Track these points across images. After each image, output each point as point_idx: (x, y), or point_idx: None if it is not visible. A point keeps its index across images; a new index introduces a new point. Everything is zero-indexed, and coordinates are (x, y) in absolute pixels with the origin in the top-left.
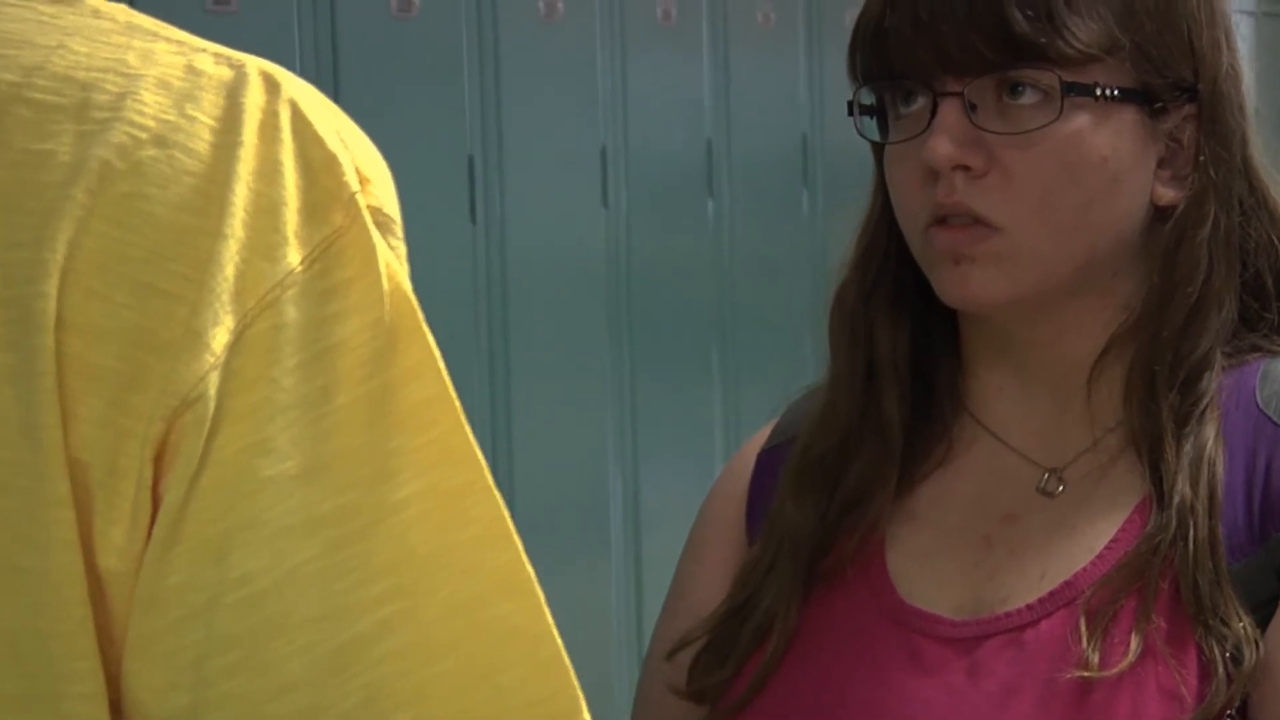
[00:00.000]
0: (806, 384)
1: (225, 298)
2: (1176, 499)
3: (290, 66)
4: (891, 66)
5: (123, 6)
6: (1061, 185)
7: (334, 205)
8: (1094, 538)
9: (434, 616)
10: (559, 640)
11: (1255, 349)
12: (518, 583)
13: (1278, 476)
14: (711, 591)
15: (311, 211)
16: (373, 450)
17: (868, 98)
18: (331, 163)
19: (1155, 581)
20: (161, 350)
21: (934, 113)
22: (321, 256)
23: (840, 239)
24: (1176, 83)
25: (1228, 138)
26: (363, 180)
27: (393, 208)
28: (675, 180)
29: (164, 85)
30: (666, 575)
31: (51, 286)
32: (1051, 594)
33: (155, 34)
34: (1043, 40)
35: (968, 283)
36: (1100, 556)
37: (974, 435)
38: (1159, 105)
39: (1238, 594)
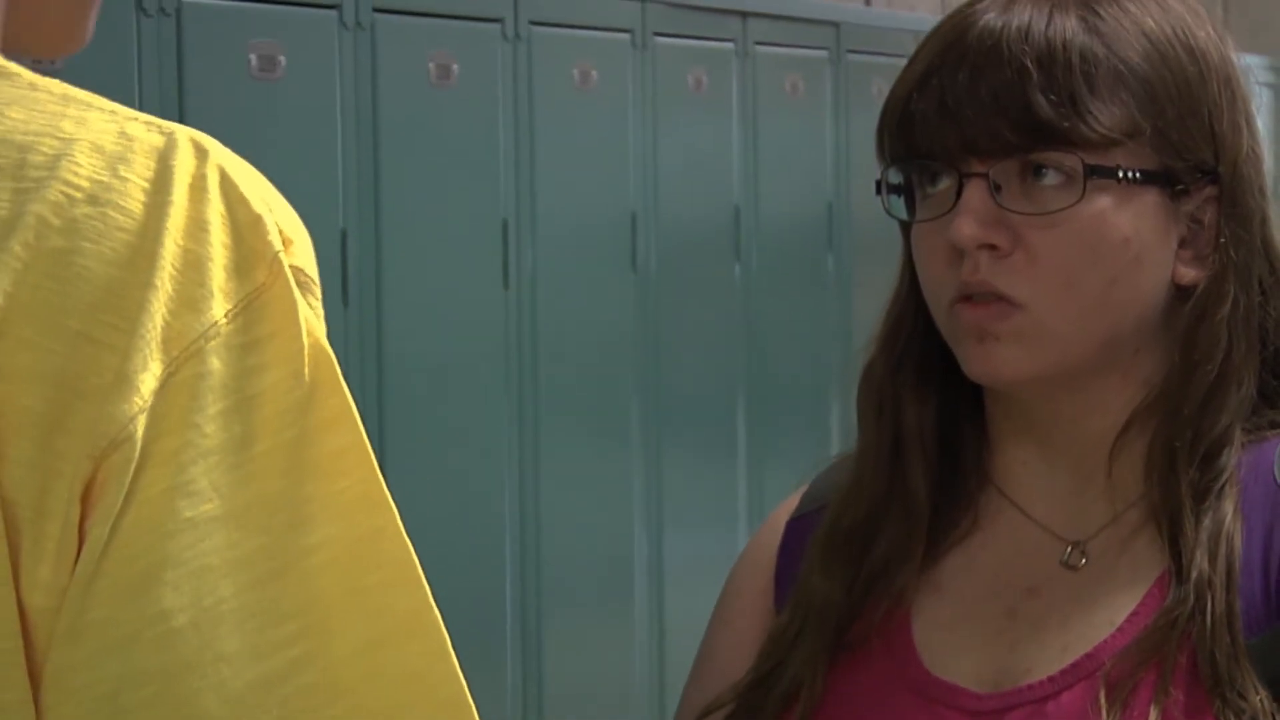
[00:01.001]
0: (832, 450)
1: (154, 345)
2: (1195, 574)
3: (332, 133)
4: (918, 148)
5: (57, 81)
6: (1084, 265)
7: (258, 263)
8: (1114, 611)
9: (341, 657)
10: (463, 681)
11: (1275, 425)
12: (423, 625)
13: None
14: (739, 658)
15: (236, 268)
16: (289, 496)
17: (895, 177)
18: (257, 223)
19: (1174, 655)
20: (90, 394)
21: (959, 193)
22: (245, 311)
23: (864, 305)
24: (1198, 165)
25: (1248, 219)
26: (286, 241)
27: (313, 269)
28: (703, 246)
29: (98, 149)
30: (689, 640)
31: None
32: (1073, 666)
33: (89, 104)
34: (1066, 125)
35: (992, 359)
36: (1120, 630)
37: (999, 508)
38: (1180, 187)
39: (1255, 668)
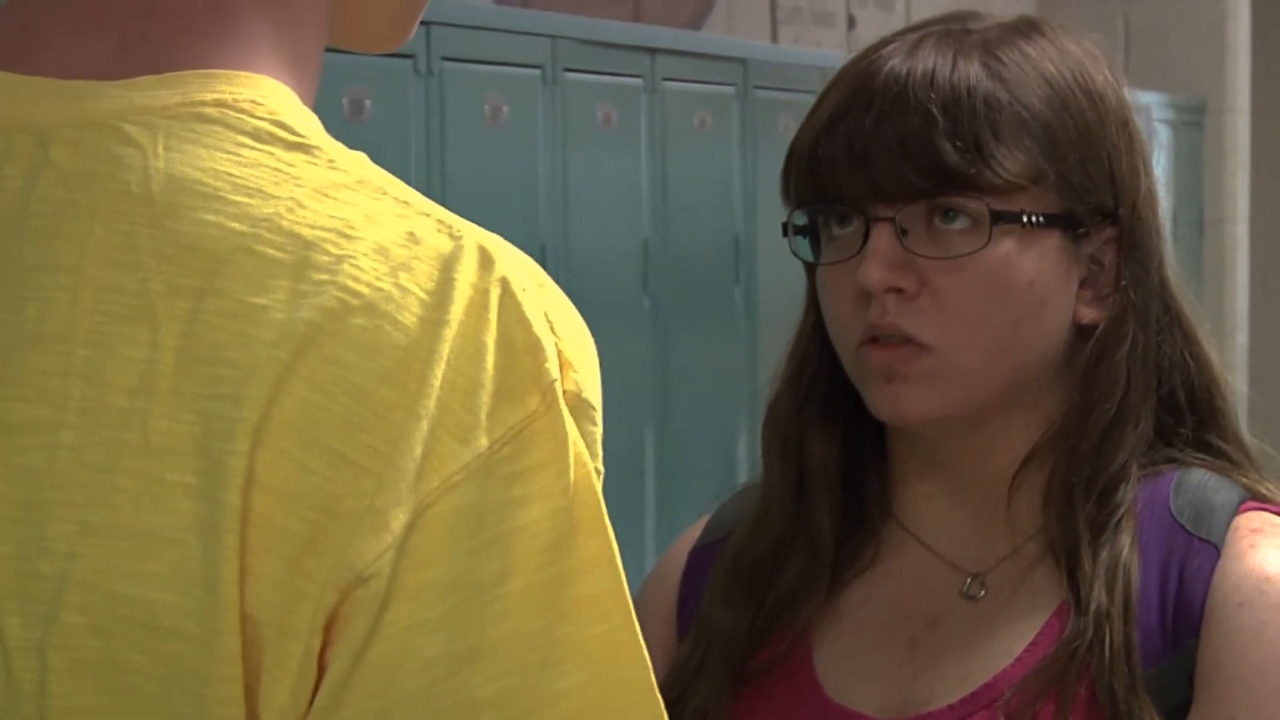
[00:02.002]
0: (738, 480)
1: (410, 478)
2: (1093, 606)
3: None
4: (825, 192)
5: (360, 157)
6: (990, 307)
7: (531, 389)
8: (1013, 641)
9: None
10: None
11: (1170, 461)
12: None
13: (1190, 584)
14: None
15: (507, 394)
16: (540, 637)
17: (801, 219)
18: (535, 347)
19: (1072, 686)
20: (343, 518)
21: (866, 236)
22: (512, 440)
23: (770, 337)
24: (1098, 208)
25: (1146, 259)
26: (564, 364)
27: (593, 392)
28: (612, 278)
29: (382, 252)
30: None
31: (245, 444)
32: (973, 695)
33: (383, 191)
34: (972, 171)
35: (900, 400)
36: (1019, 660)
37: (901, 541)
38: (1082, 230)
39: (1152, 699)
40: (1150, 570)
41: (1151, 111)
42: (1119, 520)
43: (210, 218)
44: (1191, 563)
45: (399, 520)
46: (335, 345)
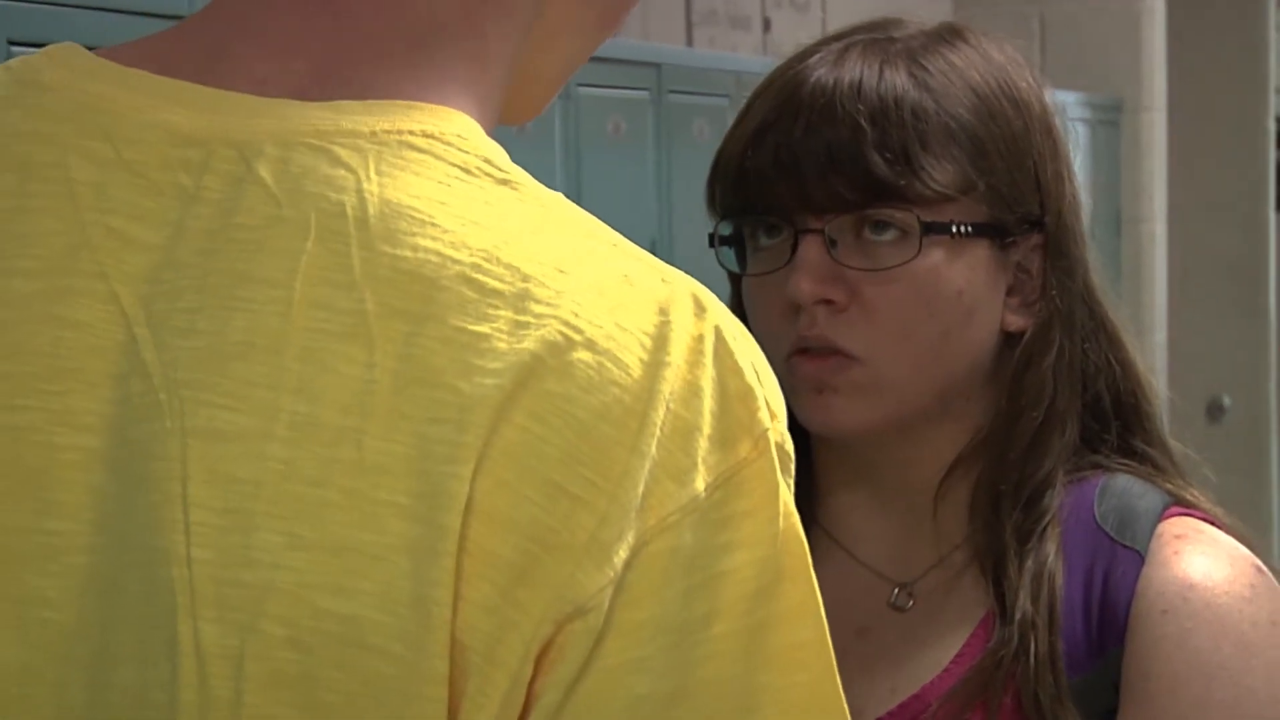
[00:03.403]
0: None
1: (632, 514)
2: (1018, 615)
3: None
4: (753, 202)
5: (560, 197)
6: (920, 318)
7: (744, 436)
8: (941, 652)
9: None
10: None
11: (1096, 466)
12: None
13: (1114, 591)
14: None
15: (721, 440)
16: (742, 683)
17: (728, 230)
18: (748, 394)
19: (999, 695)
20: (560, 551)
21: (795, 248)
22: (724, 485)
23: None
24: (1025, 216)
25: (1071, 266)
26: (772, 415)
27: (790, 446)
28: None
29: (601, 291)
30: None
31: (467, 470)
32: (901, 707)
33: (592, 234)
34: (902, 183)
35: (830, 410)
36: (947, 670)
37: (827, 550)
38: (1009, 239)
39: (1078, 707)
40: (1075, 578)
41: (1068, 110)
42: (1044, 528)
43: (427, 244)
44: (1116, 570)
45: (620, 556)
46: (557, 379)
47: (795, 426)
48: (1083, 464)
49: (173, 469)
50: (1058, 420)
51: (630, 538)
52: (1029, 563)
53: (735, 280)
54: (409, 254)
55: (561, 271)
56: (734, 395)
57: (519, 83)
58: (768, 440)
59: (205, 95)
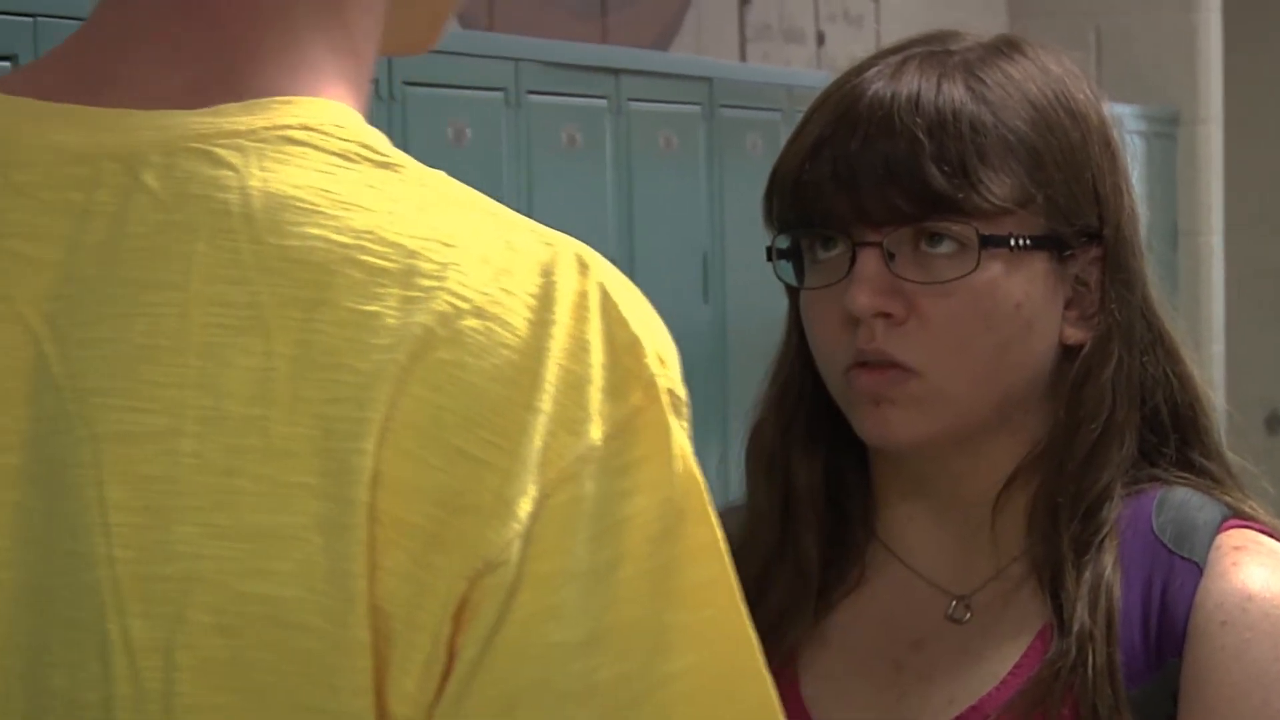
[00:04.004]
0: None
1: (532, 468)
2: (1076, 627)
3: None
4: (811, 216)
5: (442, 175)
6: (977, 331)
7: (634, 385)
8: (998, 663)
9: None
10: None
11: (1154, 479)
12: None
13: (1172, 603)
14: None
15: (613, 390)
16: (652, 623)
17: (785, 243)
18: (634, 344)
19: (1056, 707)
20: (468, 512)
21: (853, 261)
22: (620, 434)
23: (739, 355)
24: (1083, 229)
25: (1130, 278)
26: (661, 362)
27: (683, 391)
28: None
29: (485, 259)
30: None
31: (370, 444)
32: (959, 718)
33: (472, 205)
34: (960, 195)
35: (887, 423)
36: (1004, 682)
37: (885, 562)
38: (1068, 251)
39: (1136, 719)
40: (1133, 589)
41: (1124, 123)
42: (1102, 539)
43: (313, 231)
44: (1174, 582)
45: (524, 509)
46: (449, 348)
47: (856, 439)
48: (1141, 477)
49: (88, 475)
50: (1116, 433)
51: (533, 491)
52: (1086, 574)
53: (793, 294)
54: (296, 243)
55: (446, 245)
56: (622, 347)
57: (396, 30)
58: (657, 387)
59: (90, 114)
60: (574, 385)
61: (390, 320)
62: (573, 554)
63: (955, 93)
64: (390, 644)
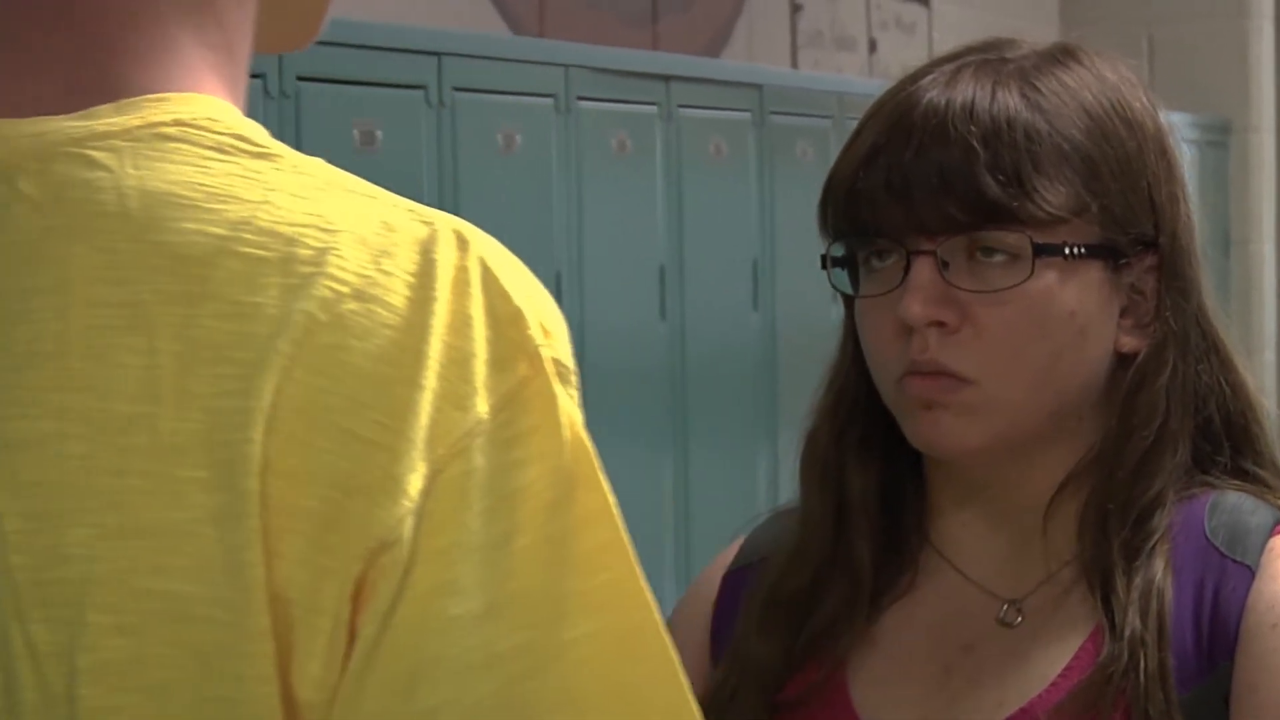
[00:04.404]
0: (759, 499)
1: (420, 445)
2: (1128, 631)
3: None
4: (865, 224)
5: (320, 162)
6: (1031, 340)
7: (519, 357)
8: (1048, 666)
9: None
10: None
11: (1205, 485)
12: (684, 719)
13: (1224, 606)
14: None
15: (498, 363)
16: (549, 591)
17: (839, 251)
18: (518, 316)
19: (1108, 711)
20: (360, 493)
21: (907, 270)
22: (507, 406)
23: (787, 359)
24: (1139, 237)
25: (1186, 287)
26: (545, 333)
27: (570, 359)
28: (629, 305)
29: (362, 241)
30: None
31: (258, 433)
32: None
33: (351, 189)
34: (1015, 205)
35: (940, 430)
36: (1054, 685)
37: (937, 567)
38: (1123, 260)
39: None
40: (1184, 593)
41: (1176, 131)
42: (1153, 545)
43: (191, 226)
44: (1226, 585)
45: (415, 486)
46: (331, 332)
47: (910, 447)
48: (1193, 483)
49: None
50: (1169, 441)
51: (423, 468)
52: (1137, 579)
53: (848, 302)
54: (174, 239)
55: (323, 230)
56: (505, 319)
57: (273, 24)
58: (541, 356)
59: None
60: (458, 360)
61: (271, 309)
62: (467, 528)
63: (1010, 101)
64: (292, 629)
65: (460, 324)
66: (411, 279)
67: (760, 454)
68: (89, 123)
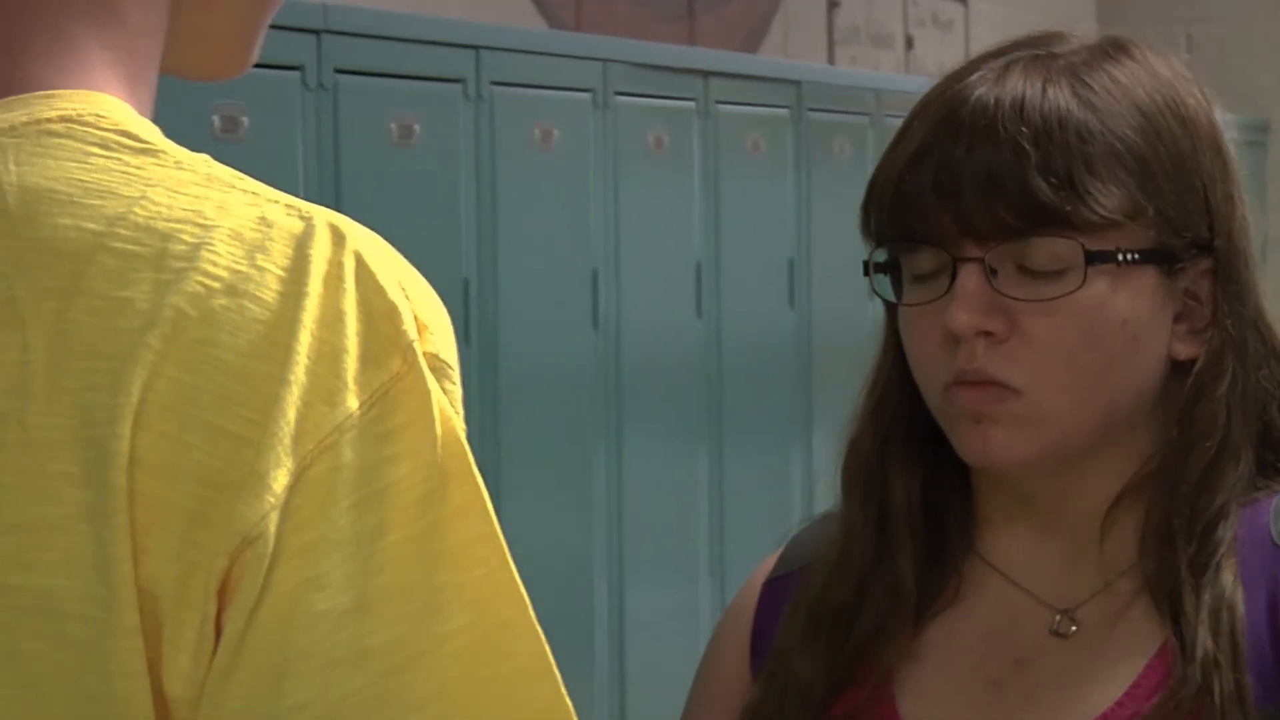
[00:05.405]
0: (795, 495)
1: (287, 441)
2: (1200, 653)
3: (294, 192)
4: (911, 229)
5: (204, 158)
6: (1083, 349)
7: (392, 352)
8: (1112, 685)
9: None
10: None
11: (1266, 490)
12: (555, 715)
13: None
14: None
15: (370, 358)
16: (421, 586)
17: (883, 257)
18: (391, 312)
19: None
20: (227, 488)
21: (954, 277)
22: (379, 401)
23: (823, 358)
24: (1194, 240)
25: (1243, 291)
26: (421, 328)
27: (450, 354)
28: (665, 302)
29: (237, 236)
30: (650, 690)
31: (126, 428)
32: None
33: (232, 185)
34: (1067, 209)
35: (989, 442)
36: (1119, 703)
37: (983, 576)
38: (1178, 264)
39: None
40: (1257, 604)
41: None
42: (1220, 558)
43: (66, 221)
44: None
45: (280, 482)
46: (201, 327)
47: (954, 455)
48: (1254, 489)
49: None
50: (1232, 451)
51: (289, 463)
52: (1206, 596)
53: (890, 308)
54: (51, 234)
55: (199, 225)
56: (379, 314)
57: (194, 43)
58: (415, 352)
59: None
60: (329, 355)
61: (142, 304)
62: (334, 523)
63: (1061, 98)
64: (160, 624)
65: (332, 319)
66: (284, 274)
67: (795, 452)
68: None
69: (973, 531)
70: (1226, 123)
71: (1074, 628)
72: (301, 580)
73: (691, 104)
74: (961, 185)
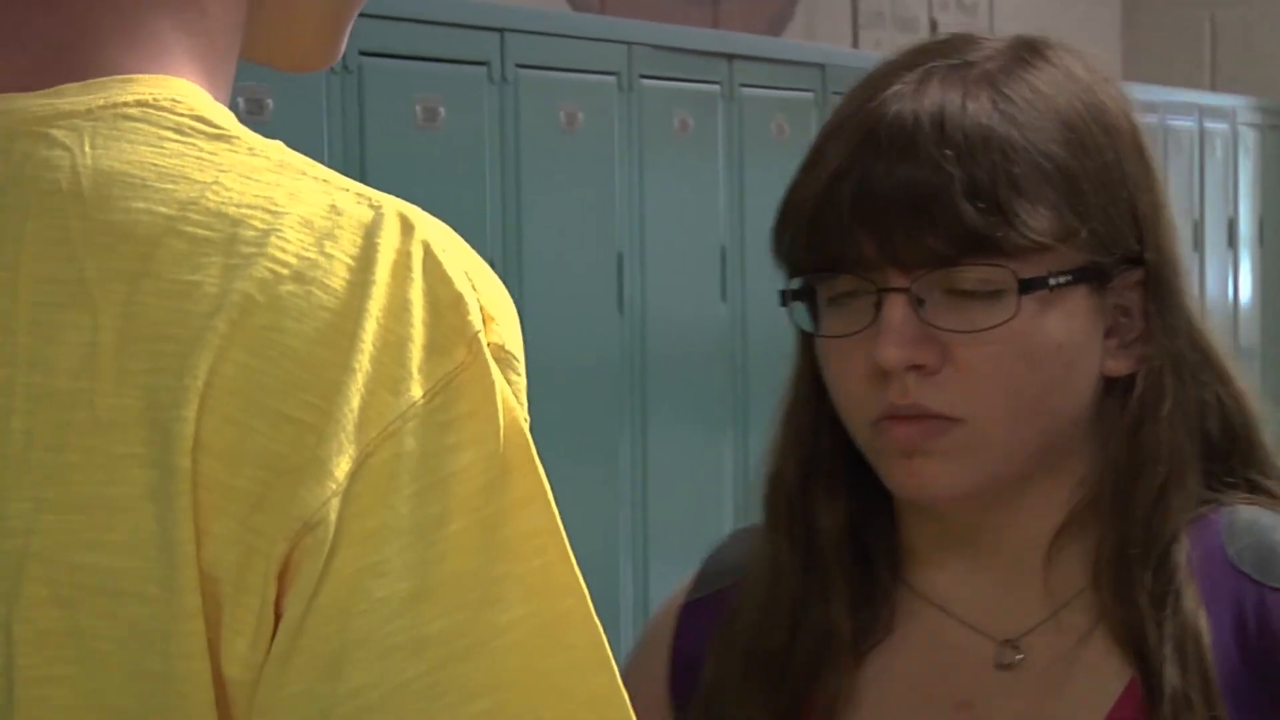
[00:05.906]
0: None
1: (350, 428)
2: (1168, 690)
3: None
4: (830, 257)
5: (278, 144)
6: (1019, 375)
7: (458, 342)
8: None
9: None
10: None
11: (1211, 503)
12: (611, 708)
13: (1276, 638)
14: None
15: (436, 348)
16: (481, 575)
17: (799, 284)
18: (458, 302)
19: None
20: (289, 474)
21: (879, 308)
22: (443, 391)
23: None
24: (1124, 254)
25: (1175, 300)
26: (486, 318)
27: (515, 345)
28: (689, 286)
29: (307, 224)
30: None
31: (191, 411)
32: None
33: (303, 172)
34: (997, 234)
35: (923, 477)
36: None
37: (915, 606)
38: (1108, 281)
39: None
40: (1222, 625)
41: (1238, 114)
42: (1179, 585)
43: (139, 205)
44: (1272, 615)
45: (342, 469)
46: (268, 313)
47: (883, 487)
48: (1200, 504)
49: None
50: (1181, 472)
51: (352, 450)
52: (1169, 628)
53: (805, 336)
54: (123, 217)
55: (270, 212)
56: (445, 304)
57: (282, 35)
58: (480, 342)
59: None
60: (394, 344)
61: (210, 288)
62: (395, 510)
63: (981, 112)
64: (220, 607)
65: (398, 308)
66: (352, 262)
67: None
68: (55, 101)
69: (900, 561)
70: (1249, 106)
71: (1019, 656)
72: (361, 567)
73: (716, 87)
74: (884, 210)
